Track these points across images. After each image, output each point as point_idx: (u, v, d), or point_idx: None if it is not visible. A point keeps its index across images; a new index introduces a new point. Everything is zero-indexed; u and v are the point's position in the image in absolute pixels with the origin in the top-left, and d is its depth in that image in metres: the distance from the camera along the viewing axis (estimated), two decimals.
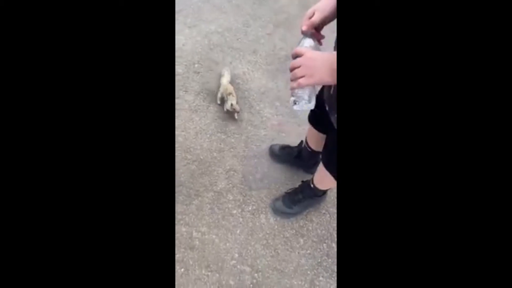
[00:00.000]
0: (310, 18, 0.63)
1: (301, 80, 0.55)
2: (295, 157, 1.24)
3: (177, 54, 1.59)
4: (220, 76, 1.49)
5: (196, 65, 1.56)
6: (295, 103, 0.58)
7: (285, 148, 1.27)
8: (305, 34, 0.64)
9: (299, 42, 0.63)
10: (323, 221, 1.17)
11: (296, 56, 0.57)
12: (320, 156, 0.94)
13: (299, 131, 1.39)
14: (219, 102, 1.43)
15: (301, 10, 1.98)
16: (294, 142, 1.28)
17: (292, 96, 0.59)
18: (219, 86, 1.44)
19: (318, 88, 0.76)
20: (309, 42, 0.62)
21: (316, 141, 1.07)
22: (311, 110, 0.97)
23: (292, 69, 0.57)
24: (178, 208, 1.12)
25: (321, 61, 0.53)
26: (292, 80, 0.56)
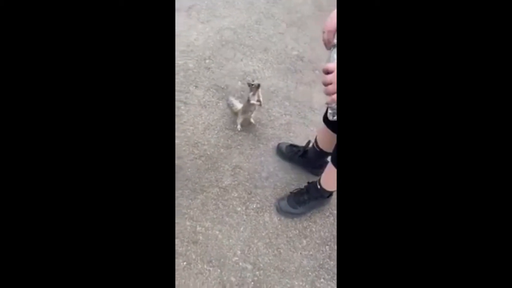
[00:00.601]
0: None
1: (335, 97, 0.57)
2: (299, 156, 1.24)
3: (188, 49, 1.59)
4: (229, 106, 1.39)
5: (207, 61, 1.56)
6: (335, 116, 0.61)
7: (293, 147, 1.27)
8: (333, 46, 0.65)
9: (329, 57, 0.64)
10: (327, 223, 1.16)
11: (327, 72, 0.59)
12: (330, 156, 0.94)
13: (307, 132, 1.39)
14: (239, 127, 1.34)
15: (314, 10, 1.97)
16: (302, 142, 1.28)
17: (330, 109, 0.63)
18: (236, 113, 1.34)
19: None
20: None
21: (327, 140, 1.07)
22: (327, 108, 0.99)
23: (324, 85, 0.59)
24: (183, 202, 1.12)
25: None
26: (326, 94, 0.59)
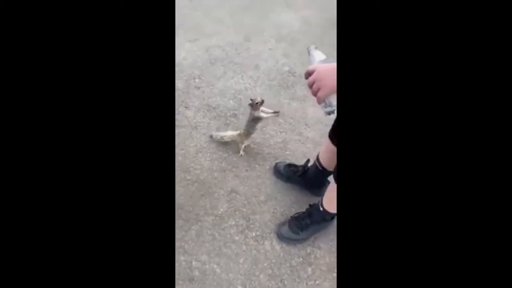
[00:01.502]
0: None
1: (318, 94, 0.60)
2: (299, 176, 1.18)
3: (177, 68, 1.54)
4: (217, 140, 1.30)
5: (197, 80, 1.51)
6: (329, 114, 0.64)
7: (291, 166, 1.21)
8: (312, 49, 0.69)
9: (309, 61, 0.68)
10: (332, 247, 1.09)
11: (309, 74, 0.63)
12: (333, 175, 0.89)
13: (303, 150, 1.33)
14: (242, 153, 1.27)
15: (302, 25, 1.96)
16: (299, 161, 1.22)
17: (323, 109, 0.64)
18: (230, 141, 1.28)
19: None
20: (318, 56, 0.68)
21: (330, 157, 1.02)
22: (332, 125, 0.95)
23: (309, 86, 0.62)
24: (177, 234, 1.03)
25: (329, 71, 0.60)
26: (313, 95, 0.62)
